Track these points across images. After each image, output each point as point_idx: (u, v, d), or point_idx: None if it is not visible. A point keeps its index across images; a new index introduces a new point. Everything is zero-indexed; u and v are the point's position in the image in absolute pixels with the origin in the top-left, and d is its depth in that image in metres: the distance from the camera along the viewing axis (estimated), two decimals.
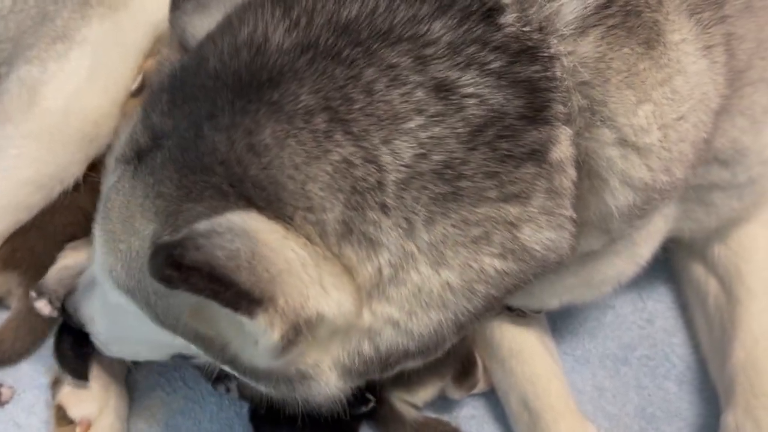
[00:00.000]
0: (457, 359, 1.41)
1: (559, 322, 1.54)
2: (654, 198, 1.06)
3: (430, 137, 0.94)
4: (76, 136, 1.59)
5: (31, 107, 1.59)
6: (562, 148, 0.98)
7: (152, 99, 1.05)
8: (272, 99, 0.95)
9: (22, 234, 1.58)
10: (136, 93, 1.64)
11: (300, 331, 0.92)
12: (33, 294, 1.43)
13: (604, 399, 1.48)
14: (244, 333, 0.95)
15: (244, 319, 0.88)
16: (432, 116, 0.94)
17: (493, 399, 1.47)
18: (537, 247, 1.00)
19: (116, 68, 1.63)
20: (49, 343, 1.54)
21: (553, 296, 1.29)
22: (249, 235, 0.89)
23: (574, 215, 1.01)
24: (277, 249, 0.90)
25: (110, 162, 1.09)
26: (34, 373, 1.52)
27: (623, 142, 1.01)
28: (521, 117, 0.95)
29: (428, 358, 1.07)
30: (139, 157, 1.03)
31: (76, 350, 1.42)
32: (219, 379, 1.42)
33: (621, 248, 1.20)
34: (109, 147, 1.64)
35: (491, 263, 0.98)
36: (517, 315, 1.42)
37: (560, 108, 0.97)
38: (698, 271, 1.48)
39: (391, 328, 1.00)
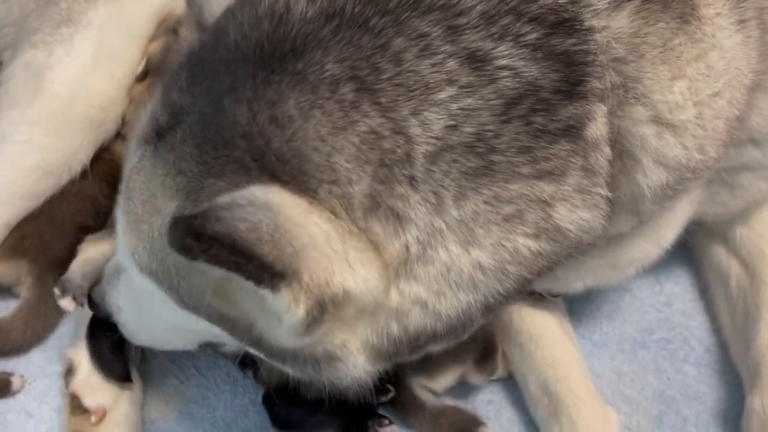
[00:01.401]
0: (478, 344, 1.37)
1: (576, 306, 1.50)
2: (687, 177, 1.02)
3: (462, 109, 0.89)
4: (82, 121, 1.56)
5: (37, 92, 1.55)
6: (598, 125, 0.94)
7: (171, 77, 1.01)
8: (296, 69, 0.90)
9: (30, 221, 1.54)
10: (141, 77, 1.61)
11: (325, 309, 0.88)
12: (57, 291, 1.38)
13: (622, 383, 1.44)
14: (269, 311, 0.91)
15: (267, 294, 0.85)
16: (464, 87, 0.89)
17: (509, 384, 1.44)
18: (571, 227, 0.96)
19: (121, 52, 1.60)
20: (60, 332, 1.52)
21: (578, 279, 1.25)
22: (271, 208, 0.85)
23: (610, 194, 0.97)
24: (300, 223, 0.87)
25: (132, 143, 1.04)
26: (44, 362, 1.48)
27: (657, 120, 0.97)
28: (557, 91, 0.91)
29: (455, 340, 1.03)
30: (159, 135, 0.99)
31: (113, 352, 1.38)
32: (244, 362, 1.38)
33: (646, 230, 1.16)
34: (116, 133, 1.61)
35: (525, 243, 0.94)
36: (536, 299, 1.38)
37: (596, 83, 0.93)
38: (719, 253, 1.44)
39: (419, 309, 0.96)
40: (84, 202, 1.57)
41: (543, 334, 1.38)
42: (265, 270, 0.82)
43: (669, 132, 0.98)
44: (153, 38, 1.62)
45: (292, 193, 0.89)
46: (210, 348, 1.25)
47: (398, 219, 0.91)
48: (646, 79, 0.95)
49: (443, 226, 0.92)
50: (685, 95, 0.96)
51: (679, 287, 1.53)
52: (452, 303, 0.96)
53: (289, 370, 1.03)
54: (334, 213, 0.90)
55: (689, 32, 0.96)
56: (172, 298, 1.02)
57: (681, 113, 0.97)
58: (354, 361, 0.99)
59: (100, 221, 1.56)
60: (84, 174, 1.57)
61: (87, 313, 1.43)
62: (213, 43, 0.98)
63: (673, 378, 1.44)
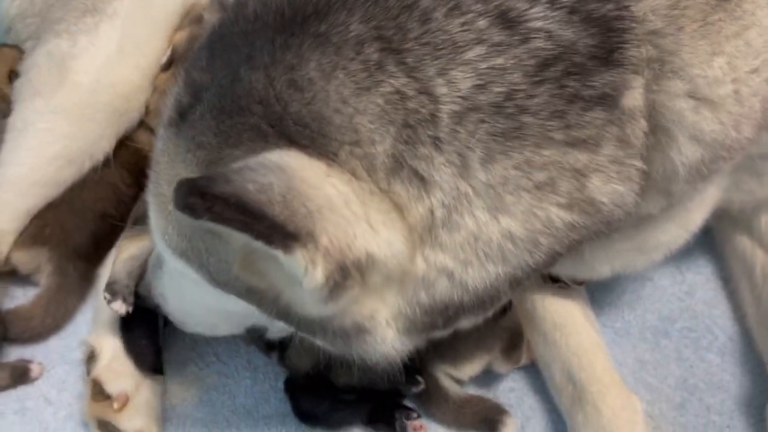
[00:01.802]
0: (505, 332, 1.36)
1: (597, 295, 1.48)
2: (722, 156, 1.01)
3: (491, 68, 0.87)
4: (106, 110, 1.56)
5: (60, 82, 1.55)
6: (635, 95, 0.92)
7: (193, 58, 1.00)
8: (318, 31, 0.89)
9: (51, 210, 1.54)
10: (166, 66, 1.61)
11: (348, 273, 0.87)
12: (107, 296, 1.35)
13: (645, 371, 1.43)
14: (290, 277, 0.89)
15: (280, 255, 0.83)
16: (494, 46, 0.87)
17: (532, 371, 1.42)
18: (604, 200, 0.94)
19: (146, 41, 1.60)
20: (79, 319, 1.51)
21: (604, 263, 1.23)
22: (284, 170, 0.84)
23: (645, 167, 0.95)
24: (315, 185, 0.85)
25: (159, 130, 1.04)
26: (63, 349, 1.47)
27: (695, 94, 0.95)
28: (592, 57, 0.89)
29: (483, 315, 1.02)
30: (181, 117, 0.98)
31: (148, 344, 1.38)
32: (270, 345, 1.38)
33: (675, 214, 1.15)
34: (139, 121, 1.61)
35: (557, 213, 0.92)
36: (560, 287, 1.37)
37: (634, 52, 0.91)
38: (744, 242, 1.43)
39: (445, 279, 0.94)
40: (105, 191, 1.56)
41: (567, 323, 1.36)
42: (275, 230, 0.81)
43: (706, 107, 0.96)
44: (178, 28, 1.62)
45: (310, 156, 0.87)
46: (251, 332, 1.24)
47: (422, 181, 0.89)
48: (684, 52, 0.93)
49: (470, 190, 0.90)
50: (724, 70, 0.95)
51: (701, 276, 1.52)
52: (479, 274, 0.94)
53: (320, 343, 1.01)
54: (354, 175, 0.88)
55: (728, 9, 0.95)
56: (204, 278, 1.01)
57: (719, 88, 0.95)
58: (383, 335, 0.97)
59: (121, 210, 1.55)
60: (106, 162, 1.57)
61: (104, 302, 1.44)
62: (232, 19, 0.97)
63: (696, 366, 1.43)
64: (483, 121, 0.88)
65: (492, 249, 0.92)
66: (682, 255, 1.46)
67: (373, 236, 0.88)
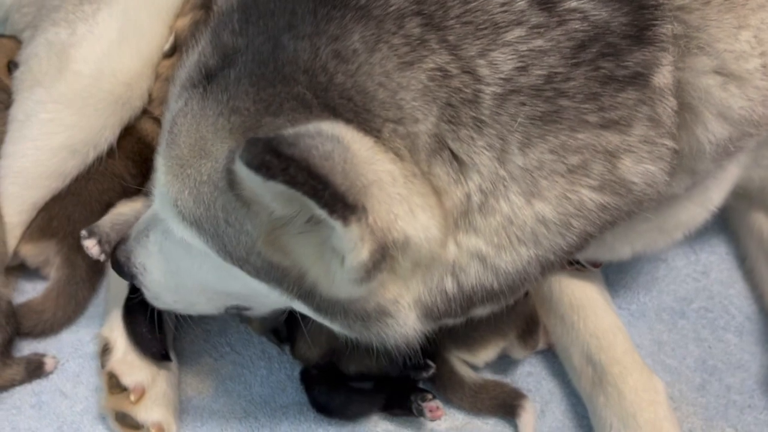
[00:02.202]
0: (521, 318, 1.34)
1: (612, 278, 1.47)
2: (749, 133, 0.99)
3: (531, 50, 0.86)
4: (108, 99, 1.52)
5: (61, 71, 1.51)
6: (665, 73, 0.91)
7: (221, 20, 0.97)
8: (359, 3, 0.87)
9: (57, 202, 1.51)
10: (169, 54, 1.56)
11: (386, 254, 0.85)
12: (84, 233, 1.32)
13: (663, 353, 1.42)
14: (326, 257, 0.88)
15: (337, 227, 0.80)
16: (534, 28, 0.86)
17: (549, 355, 1.41)
18: (636, 180, 0.93)
19: (147, 28, 1.56)
20: (90, 312, 1.48)
21: (625, 244, 1.22)
22: (340, 141, 0.81)
23: (676, 147, 0.94)
24: (367, 160, 0.83)
25: (174, 90, 1.00)
26: (77, 342, 1.44)
27: (722, 70, 0.94)
28: (625, 36, 0.88)
29: (506, 301, 1.01)
30: (208, 78, 0.95)
31: (150, 331, 1.34)
32: (280, 337, 1.37)
33: (694, 192, 1.14)
34: (142, 110, 1.57)
35: (590, 196, 0.91)
36: (577, 269, 1.35)
37: (664, 29, 0.90)
38: (759, 220, 1.43)
39: (478, 263, 0.92)
40: (110, 181, 1.53)
41: (585, 305, 1.35)
42: (338, 199, 0.78)
43: (733, 83, 0.95)
44: (180, 14, 1.57)
45: (356, 130, 0.85)
46: (238, 317, 1.21)
47: (462, 165, 0.88)
48: (711, 27, 0.92)
49: (506, 174, 0.89)
50: (752, 44, 0.94)
51: (715, 256, 1.51)
52: (512, 257, 0.92)
53: (336, 326, 0.99)
54: (397, 154, 0.86)
55: None
56: (213, 250, 0.98)
57: (747, 63, 0.94)
58: (405, 318, 0.95)
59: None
60: (110, 152, 1.53)
61: (118, 293, 1.41)
62: None
63: (714, 346, 1.42)
64: (523, 104, 0.87)
65: (525, 233, 0.91)
66: (696, 235, 1.44)
67: (412, 219, 0.86)
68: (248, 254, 0.94)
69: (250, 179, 0.81)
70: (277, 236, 0.91)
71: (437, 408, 1.30)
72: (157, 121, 1.57)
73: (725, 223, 1.52)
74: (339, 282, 0.90)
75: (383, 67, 0.85)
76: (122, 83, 1.52)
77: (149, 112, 1.57)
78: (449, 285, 0.94)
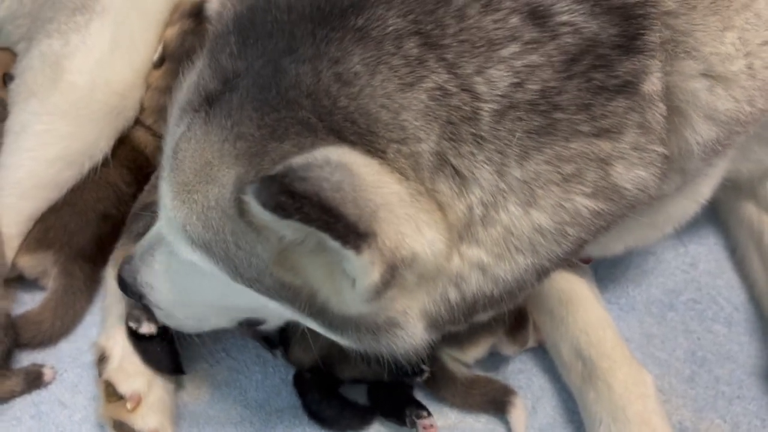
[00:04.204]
0: (509, 315, 1.31)
1: (601, 272, 1.45)
2: (736, 131, 0.98)
3: (526, 66, 0.86)
4: (102, 109, 1.51)
5: (55, 82, 1.49)
6: (654, 80, 0.90)
7: (218, 43, 0.95)
8: (357, 25, 0.86)
9: (53, 212, 1.49)
10: (159, 63, 1.55)
11: (396, 272, 0.84)
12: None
13: (653, 345, 1.40)
14: (336, 277, 0.88)
15: (351, 256, 0.80)
16: (528, 43, 0.86)
17: (540, 352, 1.40)
18: (628, 186, 0.92)
19: (138, 38, 1.54)
20: (87, 322, 1.47)
21: (618, 240, 1.21)
22: (347, 167, 0.81)
23: (666, 152, 0.93)
24: (374, 184, 0.83)
25: (174, 113, 0.99)
26: (75, 352, 1.43)
27: (708, 73, 0.93)
28: (615, 46, 0.87)
29: (506, 306, 1.00)
30: (209, 102, 0.93)
31: (162, 347, 1.32)
32: (272, 342, 1.35)
33: (685, 189, 1.12)
34: (135, 119, 1.56)
35: (584, 203, 0.91)
36: (567, 264, 1.32)
37: (652, 37, 0.89)
38: (749, 210, 1.41)
39: (479, 273, 0.92)
40: (106, 190, 1.52)
41: (574, 300, 1.33)
42: (350, 230, 0.78)
43: (720, 85, 0.94)
44: (168, 24, 1.56)
45: (363, 153, 0.85)
46: (246, 326, 1.20)
47: (463, 180, 0.87)
48: (697, 31, 0.92)
49: (506, 186, 0.88)
50: (736, 45, 0.93)
51: (703, 247, 1.49)
52: (510, 266, 0.92)
53: (346, 341, 0.99)
54: (402, 174, 0.86)
55: None
56: (224, 271, 0.97)
57: (732, 64, 0.93)
58: (413, 329, 0.95)
59: (122, 209, 1.51)
60: (105, 162, 1.51)
61: (114, 302, 1.40)
62: (263, 6, 0.93)
63: (704, 338, 1.40)
64: (520, 119, 0.86)
65: (523, 242, 0.91)
66: (684, 227, 1.42)
67: (419, 236, 0.86)
68: (259, 275, 0.94)
69: (263, 214, 0.81)
70: (287, 257, 0.90)
71: (431, 426, 1.28)
72: (149, 129, 1.56)
73: (713, 215, 1.50)
74: (350, 301, 0.90)
75: (385, 88, 0.85)
76: (116, 93, 1.51)
77: (141, 121, 1.56)
78: (452, 295, 0.93)
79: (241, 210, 0.87)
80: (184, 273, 1.08)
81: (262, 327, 1.23)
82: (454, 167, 0.87)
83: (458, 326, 0.99)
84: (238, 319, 1.19)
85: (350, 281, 0.86)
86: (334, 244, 0.79)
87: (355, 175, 0.81)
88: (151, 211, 1.30)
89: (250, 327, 1.23)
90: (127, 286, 1.20)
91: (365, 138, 0.85)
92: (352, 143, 0.85)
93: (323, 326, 0.98)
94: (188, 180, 0.94)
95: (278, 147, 0.86)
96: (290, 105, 0.86)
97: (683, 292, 1.45)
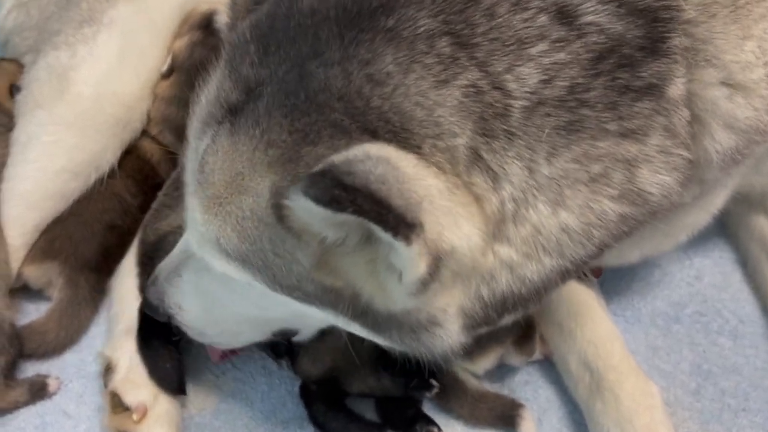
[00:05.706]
0: (517, 324, 1.29)
1: (606, 284, 1.43)
2: (755, 141, 0.97)
3: (554, 63, 0.85)
4: (109, 120, 1.49)
5: (62, 93, 1.48)
6: (679, 85, 0.89)
7: (236, 53, 0.93)
8: (387, 26, 0.85)
9: (59, 223, 1.48)
10: (167, 75, 1.54)
11: (439, 265, 0.84)
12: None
13: (658, 358, 1.38)
14: (380, 274, 0.87)
15: (400, 246, 0.79)
16: (555, 42, 0.85)
17: (546, 364, 1.37)
18: (653, 190, 0.91)
19: (146, 50, 1.53)
20: (92, 332, 1.44)
21: (634, 248, 1.20)
22: (388, 160, 0.80)
23: (691, 156, 0.92)
24: (415, 176, 0.82)
25: (194, 128, 0.97)
26: (80, 363, 1.41)
27: (728, 81, 0.93)
28: (640, 48, 0.87)
29: (535, 306, 0.98)
30: (233, 113, 0.91)
31: (171, 364, 1.31)
32: (278, 353, 1.32)
33: (702, 199, 1.12)
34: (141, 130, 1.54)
35: (610, 206, 0.90)
36: (578, 277, 1.31)
37: (677, 42, 0.89)
38: (761, 223, 1.40)
39: (508, 272, 0.91)
40: (111, 201, 1.50)
41: (583, 312, 1.32)
42: (399, 221, 0.77)
43: (740, 93, 0.94)
44: (177, 35, 1.54)
45: (398, 148, 0.84)
46: (281, 336, 1.19)
47: (495, 176, 0.87)
48: (717, 39, 0.91)
49: (535, 184, 0.88)
50: (756, 54, 0.93)
51: (708, 260, 1.48)
52: (537, 267, 0.91)
53: (387, 341, 0.97)
54: (439, 168, 0.85)
55: None
56: (262, 281, 0.95)
57: (752, 73, 0.93)
58: (451, 327, 0.94)
59: (128, 220, 1.50)
60: (111, 173, 1.50)
61: (119, 312, 1.38)
62: (284, 12, 0.92)
63: (709, 351, 1.38)
64: (549, 116, 0.86)
65: (550, 242, 0.90)
66: (689, 240, 1.42)
67: (457, 229, 0.85)
68: (300, 282, 0.92)
69: (311, 213, 0.80)
70: (328, 260, 0.89)
71: None
72: (155, 139, 1.55)
73: (718, 228, 1.48)
74: (396, 296, 0.89)
75: (419, 87, 0.84)
76: (123, 105, 1.49)
77: (147, 132, 1.54)
78: (485, 292, 0.92)
79: (280, 216, 0.85)
80: (215, 289, 1.07)
81: (296, 338, 1.21)
82: (487, 163, 0.86)
83: (490, 326, 0.98)
84: (272, 330, 1.17)
85: (396, 276, 0.85)
86: (385, 236, 0.78)
87: (397, 167, 0.80)
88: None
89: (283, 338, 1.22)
90: (155, 309, 1.18)
91: (400, 135, 0.84)
92: (387, 140, 0.84)
93: (366, 327, 0.96)
94: (219, 193, 0.91)
95: (312, 150, 0.85)
96: (321, 108, 0.85)
97: (688, 304, 1.43)
